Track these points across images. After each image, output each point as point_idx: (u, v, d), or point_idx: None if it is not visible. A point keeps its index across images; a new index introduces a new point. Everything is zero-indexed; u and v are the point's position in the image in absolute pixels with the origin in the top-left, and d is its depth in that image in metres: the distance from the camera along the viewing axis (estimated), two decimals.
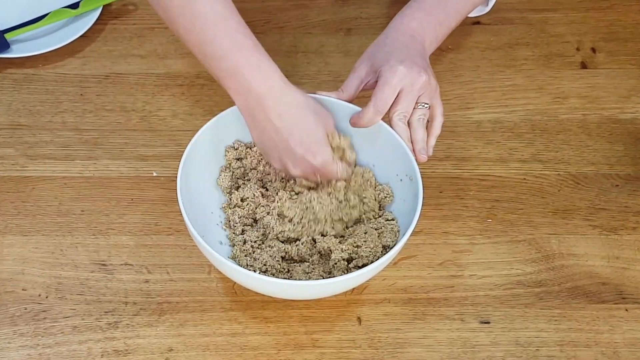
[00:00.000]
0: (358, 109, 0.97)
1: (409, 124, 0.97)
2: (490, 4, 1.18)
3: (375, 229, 0.96)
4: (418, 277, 0.99)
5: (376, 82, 0.96)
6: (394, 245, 0.92)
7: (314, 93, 0.99)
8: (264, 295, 0.96)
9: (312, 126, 0.93)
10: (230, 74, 0.91)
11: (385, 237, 0.95)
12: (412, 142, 0.97)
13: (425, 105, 0.97)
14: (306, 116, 0.93)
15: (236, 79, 0.91)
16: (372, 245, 0.93)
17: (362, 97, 0.99)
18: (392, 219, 0.97)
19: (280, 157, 0.94)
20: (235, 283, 0.97)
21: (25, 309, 0.95)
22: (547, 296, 0.98)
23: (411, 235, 1.00)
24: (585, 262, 1.01)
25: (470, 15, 1.17)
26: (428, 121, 0.99)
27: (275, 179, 1.00)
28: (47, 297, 0.96)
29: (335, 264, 0.93)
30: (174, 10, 0.91)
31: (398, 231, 0.96)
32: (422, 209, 1.02)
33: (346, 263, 0.93)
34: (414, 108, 0.97)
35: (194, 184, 0.95)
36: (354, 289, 0.97)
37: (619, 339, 0.94)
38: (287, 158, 0.93)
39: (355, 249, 0.94)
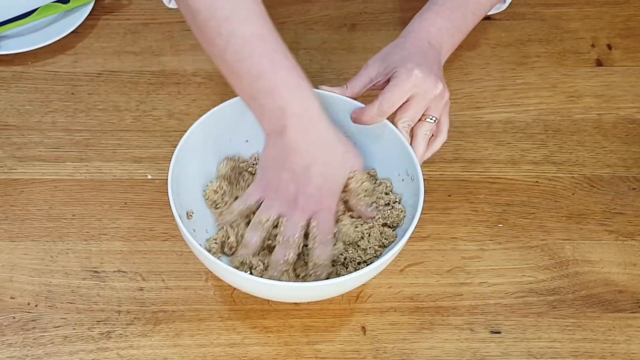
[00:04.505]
0: (361, 105, 0.98)
1: (412, 132, 0.97)
2: (508, 1, 1.19)
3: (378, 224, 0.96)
4: (425, 284, 0.99)
5: (387, 82, 0.96)
6: (394, 245, 0.93)
7: (316, 87, 0.99)
8: (263, 303, 0.96)
9: (336, 164, 0.92)
10: (265, 92, 0.90)
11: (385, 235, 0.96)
12: None
13: (434, 119, 0.97)
14: (334, 152, 0.92)
15: (272, 97, 0.90)
16: (370, 245, 0.95)
17: (369, 96, 1.00)
18: (399, 205, 0.97)
19: (292, 180, 0.90)
20: (233, 291, 0.97)
21: (14, 318, 0.95)
22: (560, 305, 0.98)
23: (418, 241, 1.01)
24: (601, 269, 1.01)
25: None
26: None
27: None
28: (36, 306, 0.96)
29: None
30: (210, 28, 0.90)
31: (404, 217, 0.96)
32: (430, 214, 1.03)
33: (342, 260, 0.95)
34: (421, 119, 0.97)
35: (190, 185, 0.96)
36: (357, 296, 0.97)
37: (635, 350, 0.94)
38: (300, 183, 0.90)
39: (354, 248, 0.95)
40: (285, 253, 0.92)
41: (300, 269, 0.94)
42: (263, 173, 0.94)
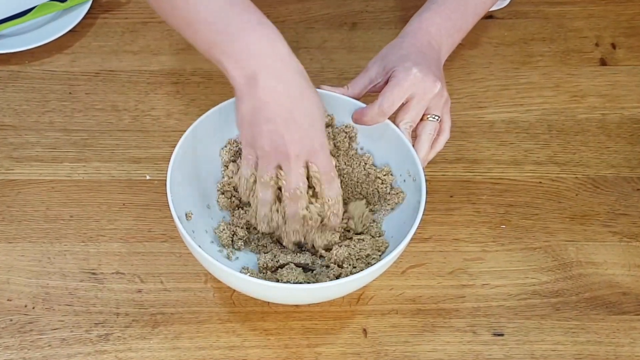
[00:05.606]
0: (363, 105, 0.98)
1: (415, 134, 0.98)
2: None
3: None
4: (427, 286, 0.99)
5: (386, 83, 0.96)
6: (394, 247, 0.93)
7: (317, 87, 1.00)
8: (263, 305, 0.96)
9: (316, 98, 0.89)
10: (227, 35, 0.87)
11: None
12: None
13: (436, 118, 0.98)
14: (312, 91, 0.89)
15: (234, 38, 0.87)
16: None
17: (369, 96, 1.00)
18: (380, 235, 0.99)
19: (277, 130, 0.87)
20: (233, 292, 0.97)
21: (11, 320, 0.95)
22: (564, 307, 0.98)
23: (420, 242, 1.00)
24: (605, 271, 1.01)
25: None
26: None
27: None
28: (33, 308, 0.96)
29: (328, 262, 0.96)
30: None
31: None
32: (431, 215, 1.03)
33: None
34: (423, 119, 0.97)
35: (189, 186, 0.96)
36: (358, 298, 0.98)
37: None
38: (286, 131, 0.87)
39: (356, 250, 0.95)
40: (297, 207, 0.92)
41: (313, 262, 0.96)
42: (245, 131, 0.91)
